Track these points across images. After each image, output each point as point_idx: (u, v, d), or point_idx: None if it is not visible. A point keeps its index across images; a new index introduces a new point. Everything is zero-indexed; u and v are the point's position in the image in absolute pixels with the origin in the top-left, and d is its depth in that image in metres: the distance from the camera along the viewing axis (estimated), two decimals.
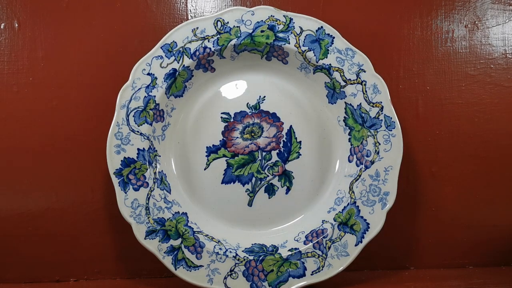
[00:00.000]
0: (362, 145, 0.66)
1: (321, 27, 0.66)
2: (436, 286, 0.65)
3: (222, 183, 0.67)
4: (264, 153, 0.67)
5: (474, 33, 0.74)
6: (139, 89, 0.64)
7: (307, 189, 0.68)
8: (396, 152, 0.65)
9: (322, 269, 0.63)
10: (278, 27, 0.66)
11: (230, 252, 0.63)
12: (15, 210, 0.70)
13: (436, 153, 0.73)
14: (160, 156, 0.66)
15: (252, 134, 0.67)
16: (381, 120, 0.65)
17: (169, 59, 0.65)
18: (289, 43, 0.66)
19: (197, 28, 0.65)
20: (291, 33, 0.66)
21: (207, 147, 0.67)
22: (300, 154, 0.68)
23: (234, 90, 0.68)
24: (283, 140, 0.68)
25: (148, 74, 0.64)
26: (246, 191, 0.67)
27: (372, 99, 0.66)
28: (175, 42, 0.65)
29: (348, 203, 0.65)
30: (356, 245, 0.64)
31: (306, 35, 0.66)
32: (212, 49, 0.65)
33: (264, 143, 0.67)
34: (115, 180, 0.62)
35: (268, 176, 0.67)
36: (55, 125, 0.70)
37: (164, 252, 0.62)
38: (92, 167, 0.70)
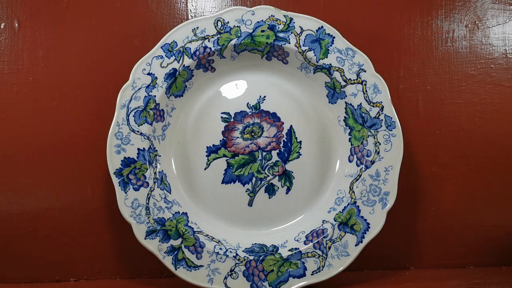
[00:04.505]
0: (362, 145, 0.66)
1: (322, 27, 0.66)
2: (436, 286, 0.65)
3: (222, 183, 0.67)
4: (264, 153, 0.67)
5: (475, 33, 0.74)
6: (139, 89, 0.64)
7: (307, 189, 0.68)
8: (396, 152, 0.65)
9: (322, 269, 0.63)
10: (279, 27, 0.66)
11: (230, 252, 0.63)
12: (15, 210, 0.70)
13: (436, 153, 0.73)
14: (160, 156, 0.66)
15: (252, 134, 0.67)
16: (382, 120, 0.65)
17: (169, 59, 0.65)
18: (290, 43, 0.66)
19: (197, 28, 0.65)
20: (292, 33, 0.66)
21: (207, 147, 0.67)
22: (300, 154, 0.68)
23: (234, 90, 0.68)
24: (283, 140, 0.68)
25: (148, 74, 0.64)
26: (246, 191, 0.67)
27: (372, 99, 0.66)
28: (175, 42, 0.65)
29: (349, 203, 0.65)
30: (356, 245, 0.64)
31: (307, 35, 0.66)
32: (212, 49, 0.65)
33: (264, 143, 0.67)
34: (115, 180, 0.62)
35: (268, 176, 0.67)
36: (55, 125, 0.70)
37: (164, 252, 0.62)
38: (92, 167, 0.70)
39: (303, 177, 0.67)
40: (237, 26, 0.66)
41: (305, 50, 0.66)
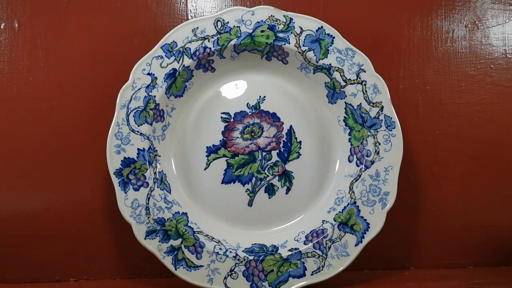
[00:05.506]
0: (362, 145, 0.66)
1: (321, 27, 0.66)
2: (436, 286, 0.65)
3: (222, 183, 0.67)
4: (264, 153, 0.67)
5: (474, 33, 0.74)
6: (139, 89, 0.64)
7: (307, 189, 0.68)
8: (396, 152, 0.65)
9: (322, 269, 0.63)
10: (278, 27, 0.66)
11: (230, 252, 0.63)
12: (15, 210, 0.70)
13: (436, 153, 0.73)
14: (160, 156, 0.66)
15: (252, 134, 0.67)
16: (381, 120, 0.65)
17: (169, 59, 0.65)
18: (289, 43, 0.66)
19: (197, 28, 0.65)
20: (291, 33, 0.66)
21: (207, 147, 0.67)
22: (300, 154, 0.68)
23: (234, 90, 0.68)
24: (283, 140, 0.68)
25: (148, 74, 0.64)
26: (246, 191, 0.67)
27: (372, 99, 0.66)
28: (175, 42, 0.65)
29: (348, 203, 0.65)
30: (356, 245, 0.64)
31: (306, 35, 0.66)
32: (212, 49, 0.65)
33: (264, 143, 0.67)
34: (115, 180, 0.62)
35: (268, 176, 0.67)
36: (55, 125, 0.70)
37: (164, 252, 0.62)
38: (92, 167, 0.70)
39: (303, 177, 0.67)
40: (237, 26, 0.66)
41: (305, 50, 0.66)
